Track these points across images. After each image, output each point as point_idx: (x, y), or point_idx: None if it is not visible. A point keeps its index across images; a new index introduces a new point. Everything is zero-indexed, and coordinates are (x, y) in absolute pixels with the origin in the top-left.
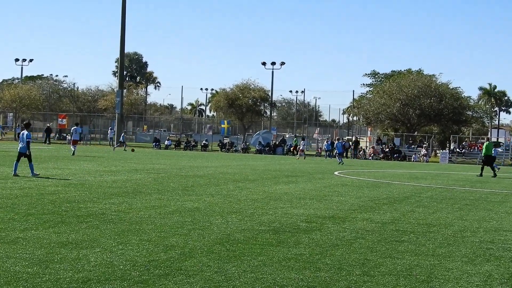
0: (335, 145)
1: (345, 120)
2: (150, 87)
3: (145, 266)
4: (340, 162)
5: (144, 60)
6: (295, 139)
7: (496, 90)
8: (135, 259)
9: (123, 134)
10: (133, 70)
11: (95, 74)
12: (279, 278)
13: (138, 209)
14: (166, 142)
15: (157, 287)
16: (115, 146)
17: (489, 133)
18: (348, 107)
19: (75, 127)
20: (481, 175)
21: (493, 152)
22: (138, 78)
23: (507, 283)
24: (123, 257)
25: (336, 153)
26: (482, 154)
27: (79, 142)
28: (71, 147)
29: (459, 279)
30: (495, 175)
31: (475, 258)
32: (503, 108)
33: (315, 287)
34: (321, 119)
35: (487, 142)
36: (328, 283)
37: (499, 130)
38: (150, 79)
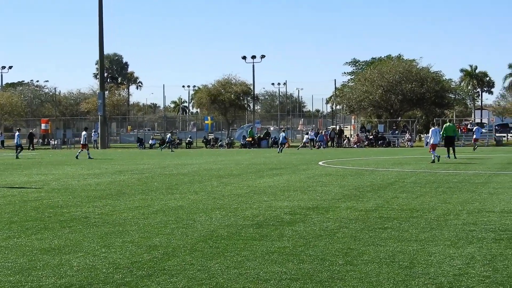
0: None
1: (329, 110)
2: (132, 87)
3: (128, 268)
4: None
5: (124, 60)
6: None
7: (477, 71)
8: (118, 262)
9: (84, 134)
10: (113, 71)
11: (76, 78)
12: (262, 272)
13: (122, 211)
14: (150, 142)
15: None
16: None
17: (472, 115)
18: (330, 97)
19: (84, 132)
20: (448, 156)
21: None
22: (119, 79)
23: (490, 264)
24: (106, 260)
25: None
26: (443, 135)
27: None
28: (82, 151)
29: (442, 263)
30: (454, 157)
31: (458, 241)
32: (485, 89)
33: (298, 279)
34: (304, 110)
35: (448, 123)
36: (312, 275)
37: (482, 111)
38: (131, 79)
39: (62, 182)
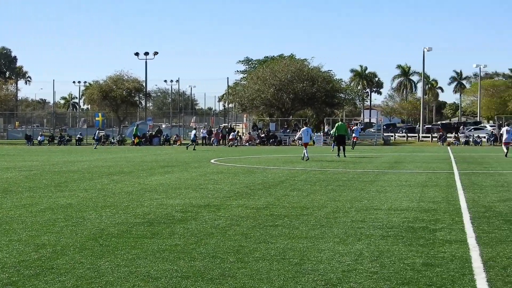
0: (353, 129)
1: (221, 108)
2: (21, 82)
3: (15, 267)
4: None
5: (13, 54)
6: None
7: (367, 72)
8: (4, 261)
9: None
10: (1, 65)
11: None
12: (153, 270)
13: (8, 209)
14: (39, 138)
15: None
16: None
17: (361, 114)
18: (223, 95)
19: None
20: (338, 155)
21: (351, 132)
22: (7, 74)
23: (377, 260)
24: None
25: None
26: (334, 135)
27: None
28: None
29: (331, 260)
30: (344, 156)
31: (347, 238)
32: (374, 89)
33: (189, 277)
34: (197, 108)
35: (339, 122)
36: (203, 272)
37: (371, 110)
38: (20, 74)
39: None
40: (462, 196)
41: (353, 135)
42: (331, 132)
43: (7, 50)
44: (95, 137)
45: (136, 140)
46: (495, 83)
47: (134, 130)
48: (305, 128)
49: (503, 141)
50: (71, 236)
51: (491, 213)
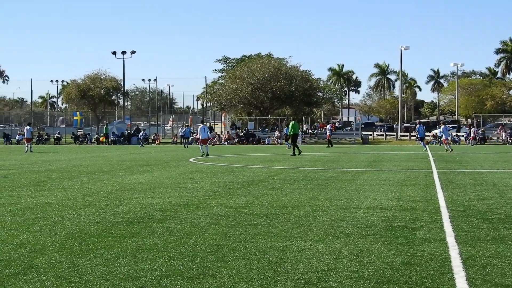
0: (416, 128)
1: (200, 107)
2: None
3: None
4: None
5: None
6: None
7: (344, 70)
8: None
9: None
10: None
11: None
12: (133, 269)
13: None
14: (17, 137)
15: (6, 287)
16: None
17: (340, 113)
18: (201, 93)
19: (28, 127)
20: (293, 154)
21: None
22: None
23: (357, 259)
24: None
25: (417, 138)
26: (289, 134)
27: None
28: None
29: (311, 258)
30: (299, 153)
31: (326, 236)
32: (352, 88)
33: (169, 276)
34: (175, 107)
35: (293, 121)
36: (182, 271)
37: (349, 109)
38: None
39: None
40: (441, 194)
41: (328, 133)
42: (288, 131)
43: None
44: (141, 137)
45: (103, 139)
46: (473, 81)
47: (104, 129)
48: (201, 125)
49: (443, 139)
50: (50, 235)
51: (470, 211)
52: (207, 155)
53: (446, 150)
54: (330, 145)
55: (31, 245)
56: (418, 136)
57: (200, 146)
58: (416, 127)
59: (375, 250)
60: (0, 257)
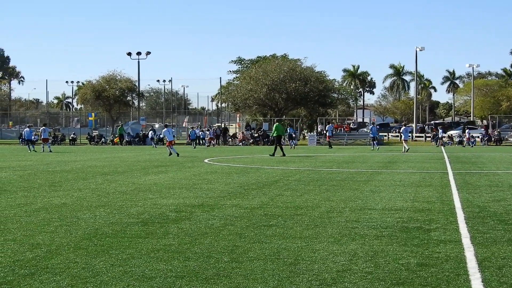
0: (370, 128)
1: (214, 107)
2: (14, 82)
3: (10, 266)
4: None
5: (6, 54)
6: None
7: (359, 71)
8: None
9: None
10: None
11: None
12: (148, 270)
13: (3, 208)
14: (32, 138)
15: (22, 287)
16: None
17: (354, 114)
18: (216, 94)
19: (44, 127)
20: (274, 154)
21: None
22: (0, 74)
23: (372, 260)
24: None
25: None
26: (273, 135)
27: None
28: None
29: (326, 260)
30: (282, 155)
31: (341, 238)
32: (367, 89)
33: (184, 276)
34: (190, 107)
35: (277, 123)
36: (197, 272)
37: (364, 110)
38: (13, 74)
39: None
40: (457, 196)
41: (327, 134)
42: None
43: (0, 50)
44: (153, 137)
45: (116, 140)
46: (488, 82)
47: (118, 130)
48: (165, 129)
49: (402, 139)
50: (66, 236)
51: (486, 213)
52: (178, 155)
53: (404, 150)
54: (330, 147)
55: (46, 246)
56: (371, 135)
57: (167, 148)
58: (370, 127)
59: (390, 251)
60: (16, 257)
